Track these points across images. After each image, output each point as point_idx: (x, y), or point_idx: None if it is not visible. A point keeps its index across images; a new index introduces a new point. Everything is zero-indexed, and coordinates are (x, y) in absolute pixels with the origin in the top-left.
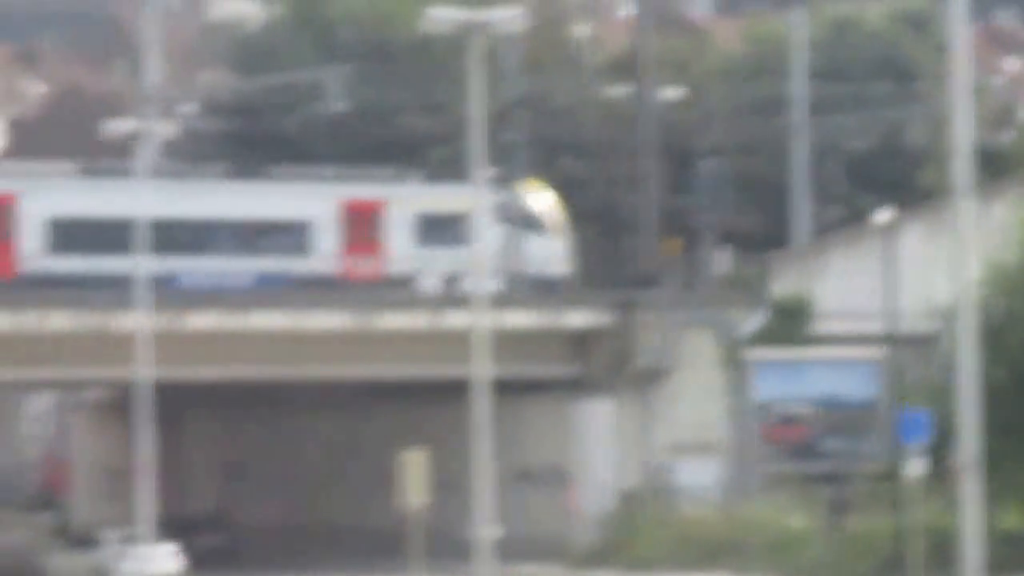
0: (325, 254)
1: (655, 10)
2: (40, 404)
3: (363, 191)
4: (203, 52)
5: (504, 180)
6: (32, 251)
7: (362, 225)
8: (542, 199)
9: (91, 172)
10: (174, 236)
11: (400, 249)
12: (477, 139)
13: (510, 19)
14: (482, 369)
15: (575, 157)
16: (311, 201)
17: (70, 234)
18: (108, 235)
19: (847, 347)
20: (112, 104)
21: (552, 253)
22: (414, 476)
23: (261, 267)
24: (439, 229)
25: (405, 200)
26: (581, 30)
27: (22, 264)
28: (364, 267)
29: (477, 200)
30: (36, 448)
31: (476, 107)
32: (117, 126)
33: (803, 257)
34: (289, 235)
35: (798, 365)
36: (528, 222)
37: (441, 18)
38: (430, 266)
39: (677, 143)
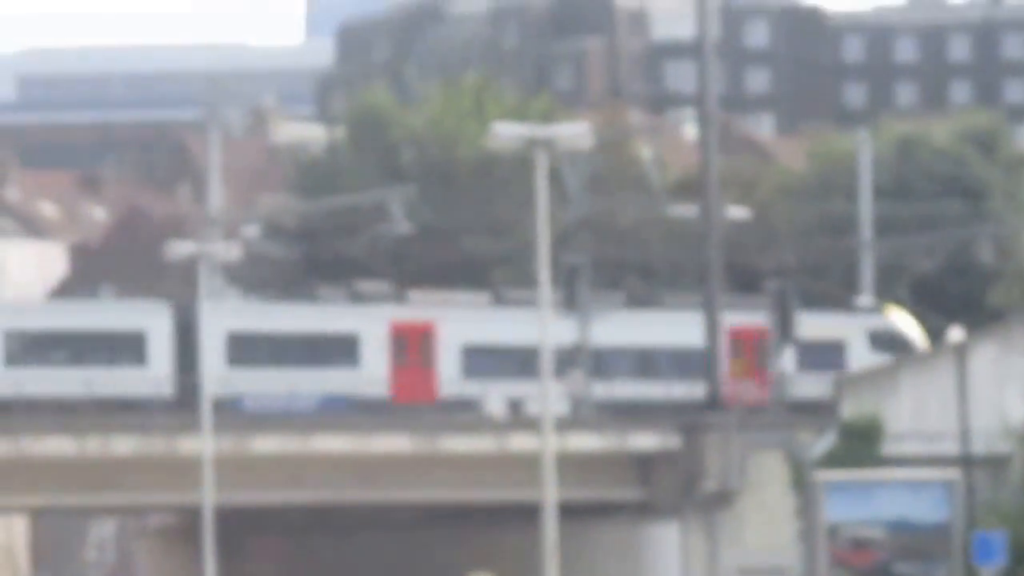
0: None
1: (718, 130)
2: (104, 530)
3: (747, 319)
4: (266, 175)
5: (875, 307)
6: (449, 376)
7: (749, 351)
8: (910, 323)
9: (501, 301)
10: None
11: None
12: (544, 256)
13: (575, 135)
14: (549, 493)
15: (640, 277)
16: (702, 329)
17: (481, 360)
18: (515, 361)
19: (919, 469)
20: (175, 228)
21: None
22: None
23: (655, 392)
24: (818, 355)
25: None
26: (646, 150)
27: (441, 389)
28: (748, 392)
29: (850, 326)
30: (100, 574)
31: (541, 224)
32: (178, 249)
33: (873, 378)
34: (687, 361)
35: (869, 487)
36: (902, 346)
37: (506, 134)
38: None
39: (742, 263)
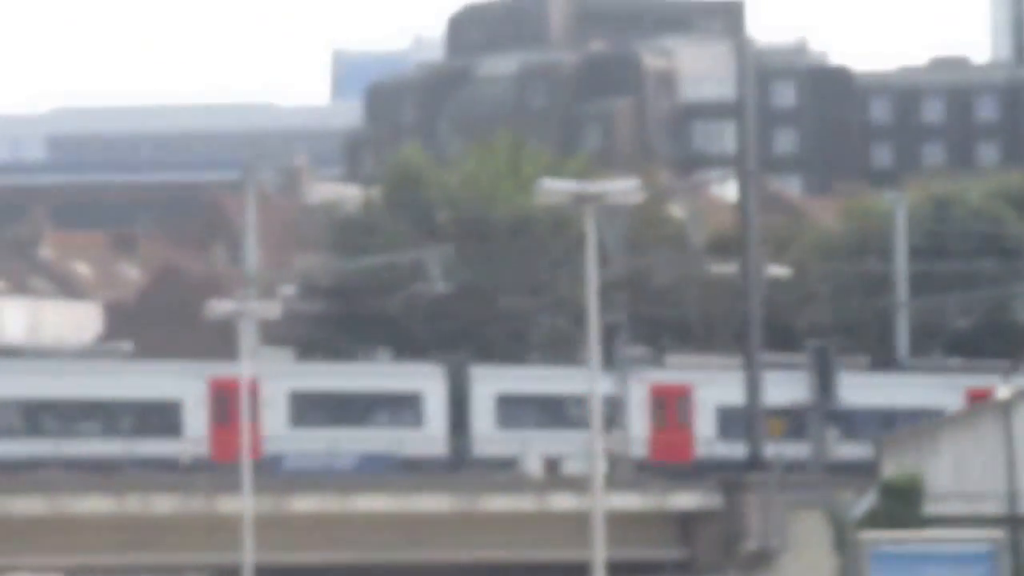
0: None
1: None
2: None
3: (984, 381)
4: (300, 234)
5: None
6: (705, 437)
7: None
8: None
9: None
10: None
11: None
12: (593, 311)
13: (624, 191)
14: (599, 552)
15: (675, 337)
16: (942, 392)
17: (736, 421)
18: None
19: (962, 529)
20: (210, 287)
21: None
22: None
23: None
24: None
25: None
26: (683, 208)
27: (697, 449)
28: None
29: None
30: None
31: (590, 279)
32: (218, 307)
33: (914, 437)
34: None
35: (912, 552)
36: None
37: (554, 190)
38: None
39: (777, 321)
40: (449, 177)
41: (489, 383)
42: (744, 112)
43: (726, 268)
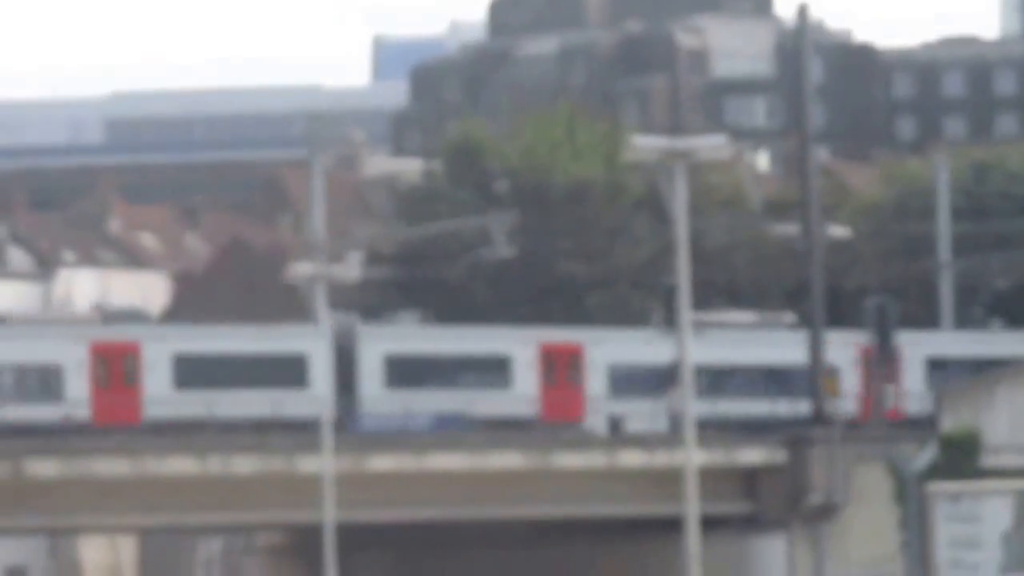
0: None
1: (789, 159)
2: (211, 548)
3: None
4: (360, 207)
5: None
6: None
7: None
8: None
9: None
10: None
11: None
12: (684, 271)
13: (715, 147)
14: (692, 507)
15: (727, 300)
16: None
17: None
18: None
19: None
20: (277, 257)
21: None
22: None
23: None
24: None
25: None
26: (741, 171)
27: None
28: None
29: None
30: None
31: (681, 238)
32: (299, 270)
33: (971, 391)
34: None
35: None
36: None
37: (645, 145)
38: None
39: (826, 283)
40: (508, 148)
41: (918, 348)
42: (802, 82)
43: (787, 229)
